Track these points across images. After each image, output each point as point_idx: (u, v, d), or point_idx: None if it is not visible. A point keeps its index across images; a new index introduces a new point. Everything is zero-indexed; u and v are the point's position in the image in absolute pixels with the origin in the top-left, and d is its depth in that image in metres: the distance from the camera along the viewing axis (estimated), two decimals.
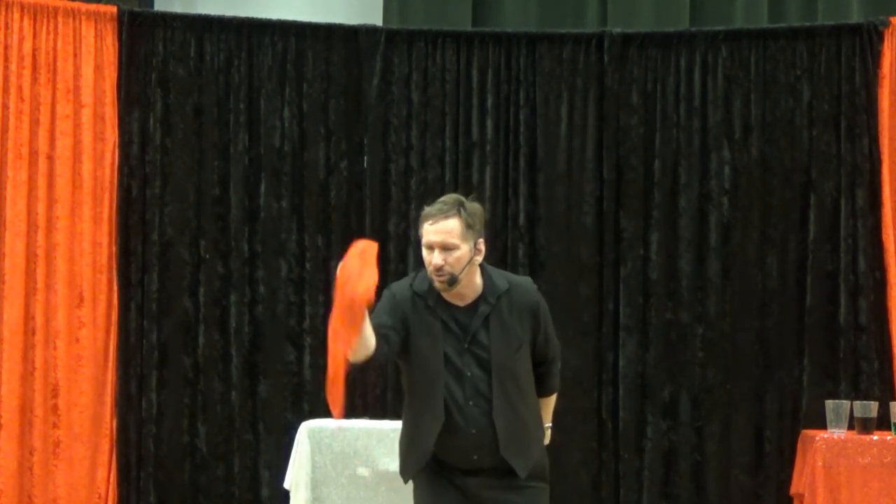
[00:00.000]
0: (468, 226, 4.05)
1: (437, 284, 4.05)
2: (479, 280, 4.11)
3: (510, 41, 7.08)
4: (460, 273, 4.03)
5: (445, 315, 4.08)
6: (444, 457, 4.10)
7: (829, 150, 6.90)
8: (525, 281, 4.26)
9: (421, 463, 4.09)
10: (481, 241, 4.10)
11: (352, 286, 3.82)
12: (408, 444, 4.17)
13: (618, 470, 6.89)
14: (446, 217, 4.05)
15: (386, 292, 4.18)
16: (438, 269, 4.02)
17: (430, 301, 4.10)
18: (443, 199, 4.15)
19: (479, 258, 4.10)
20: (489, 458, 4.07)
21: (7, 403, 6.67)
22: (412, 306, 4.11)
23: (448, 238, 4.02)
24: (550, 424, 4.37)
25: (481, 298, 4.11)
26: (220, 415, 6.90)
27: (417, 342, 4.08)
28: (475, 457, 4.06)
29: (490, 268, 4.18)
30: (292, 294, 6.98)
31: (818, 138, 6.91)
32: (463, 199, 4.12)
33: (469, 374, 4.06)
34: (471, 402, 4.06)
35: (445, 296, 4.09)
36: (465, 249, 4.04)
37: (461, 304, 4.10)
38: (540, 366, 4.23)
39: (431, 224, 4.05)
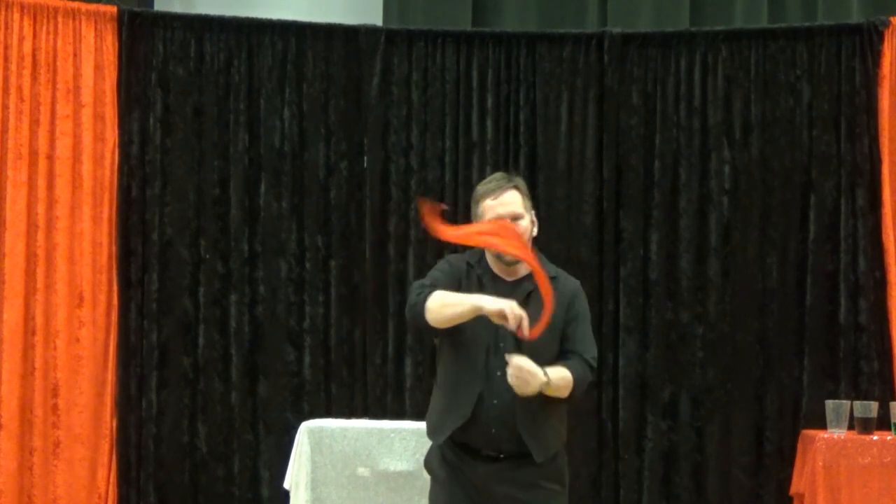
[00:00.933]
0: (525, 197, 4.24)
1: (507, 258, 4.16)
2: None
3: (510, 41, 7.08)
4: (528, 243, 4.17)
5: (491, 286, 4.17)
6: (464, 436, 4.13)
7: (829, 150, 6.90)
8: (574, 280, 4.36)
9: (457, 424, 4.12)
10: (533, 214, 4.27)
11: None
12: (444, 408, 4.19)
13: (618, 470, 6.89)
14: (506, 190, 4.20)
15: (442, 261, 4.34)
16: None
17: (480, 271, 4.22)
18: (492, 176, 4.32)
19: (535, 230, 4.25)
20: (507, 435, 4.10)
21: (7, 403, 6.67)
22: (466, 275, 4.23)
23: (515, 208, 4.18)
24: (550, 377, 4.17)
25: (528, 277, 4.20)
26: (220, 415, 6.91)
27: None
28: (493, 430, 4.10)
29: (540, 254, 4.28)
30: (292, 294, 6.98)
31: (818, 138, 6.91)
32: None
33: (502, 345, 4.12)
34: (499, 373, 4.10)
35: (495, 270, 4.22)
36: (528, 219, 4.22)
37: (508, 279, 4.21)
38: (566, 354, 4.21)
39: (495, 198, 4.19)
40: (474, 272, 4.23)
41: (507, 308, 3.94)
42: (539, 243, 6.87)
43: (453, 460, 4.18)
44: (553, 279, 4.17)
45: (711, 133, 6.99)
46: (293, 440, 6.23)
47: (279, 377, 6.94)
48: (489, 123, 7.03)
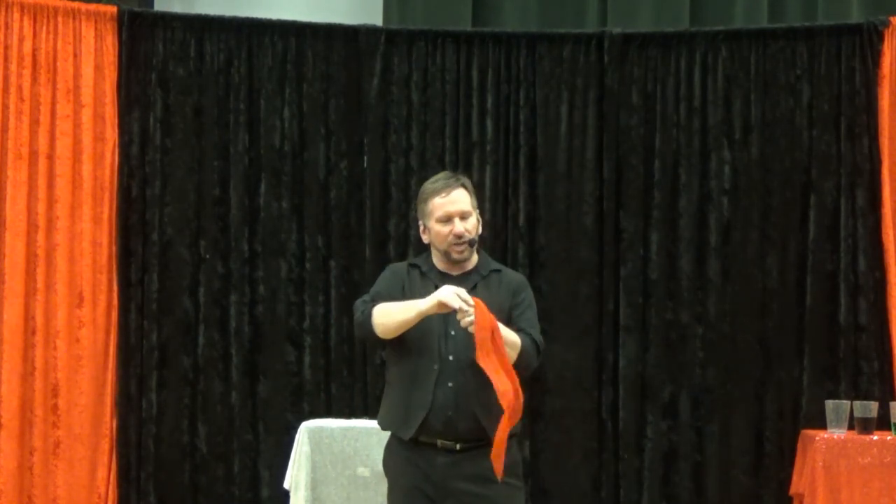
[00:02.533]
0: (472, 195, 4.35)
1: (455, 255, 4.28)
2: (475, 255, 4.37)
3: (510, 41, 7.08)
4: (476, 238, 4.30)
5: (438, 281, 4.28)
6: (422, 426, 4.20)
7: (829, 150, 6.90)
8: (520, 274, 4.54)
9: (422, 413, 4.21)
10: (478, 212, 4.38)
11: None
12: (405, 401, 4.27)
13: (618, 470, 6.89)
14: (455, 188, 4.31)
15: (384, 272, 4.45)
16: (460, 236, 4.26)
17: (425, 269, 4.34)
18: (438, 175, 4.43)
19: (480, 228, 4.36)
20: (463, 416, 4.17)
21: (7, 403, 6.67)
22: (408, 276, 4.35)
23: (465, 206, 4.30)
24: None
25: (474, 270, 4.35)
26: (220, 415, 6.90)
27: None
28: (450, 413, 4.17)
29: (483, 252, 4.44)
30: (292, 294, 6.98)
31: (818, 138, 6.91)
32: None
33: (453, 332, 4.21)
34: (451, 357, 4.21)
35: (441, 266, 4.33)
36: (475, 217, 4.33)
37: (455, 273, 4.33)
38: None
39: (445, 196, 4.29)
40: (417, 271, 4.35)
41: (444, 297, 4.05)
42: (539, 243, 6.97)
43: (411, 459, 4.26)
44: (497, 272, 4.34)
45: (711, 133, 6.99)
46: (293, 440, 6.23)
47: (279, 377, 6.94)
48: (489, 123, 7.03)
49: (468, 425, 4.18)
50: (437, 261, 4.36)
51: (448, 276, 4.29)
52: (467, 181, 4.37)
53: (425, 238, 4.38)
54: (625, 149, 7.01)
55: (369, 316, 4.24)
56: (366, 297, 4.35)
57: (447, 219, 4.27)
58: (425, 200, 4.33)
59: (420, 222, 4.40)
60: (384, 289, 4.33)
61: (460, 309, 4.02)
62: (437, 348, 4.22)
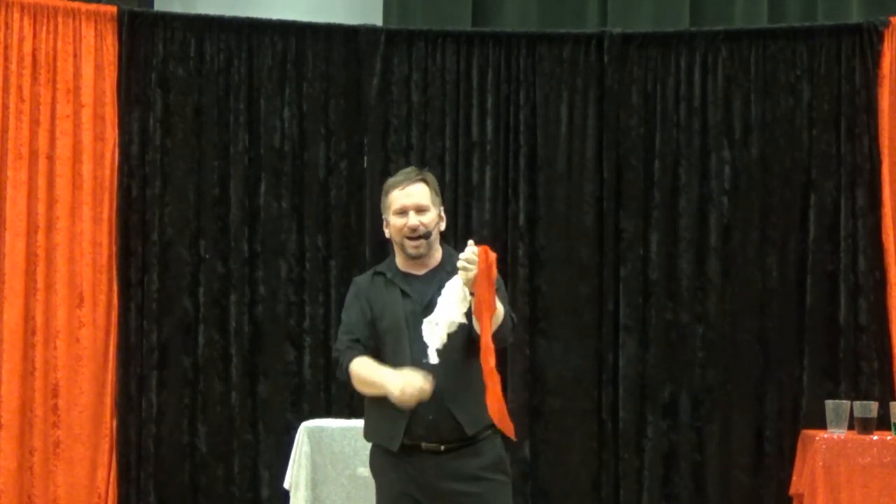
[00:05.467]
0: (434, 192, 4.29)
1: (410, 250, 4.23)
2: (439, 251, 4.30)
3: (510, 41, 7.08)
4: (433, 230, 4.23)
5: (403, 284, 4.24)
6: (406, 432, 4.15)
7: (829, 150, 6.90)
8: None
9: (406, 420, 4.13)
10: (442, 209, 4.33)
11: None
12: (388, 411, 4.15)
13: (618, 470, 6.89)
14: (414, 182, 4.26)
15: (349, 293, 4.36)
16: (414, 230, 4.22)
17: (390, 274, 4.28)
18: (402, 170, 4.41)
19: (443, 225, 4.30)
20: (443, 416, 4.12)
21: (7, 403, 6.67)
22: (372, 285, 4.30)
23: (421, 200, 4.24)
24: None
25: (439, 267, 4.27)
26: (220, 415, 6.91)
27: (381, 313, 4.23)
28: (431, 417, 4.12)
29: (447, 246, 4.37)
30: (292, 294, 6.98)
31: (818, 138, 6.91)
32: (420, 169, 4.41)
33: (420, 337, 4.14)
34: (423, 360, 4.11)
35: (405, 267, 4.27)
36: (434, 213, 4.26)
37: (419, 273, 4.26)
38: None
39: (402, 189, 4.26)
40: (382, 278, 4.29)
41: (399, 392, 3.97)
42: (539, 243, 6.97)
43: (398, 465, 4.21)
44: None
45: (711, 133, 6.99)
46: (293, 440, 6.23)
47: (279, 377, 6.94)
48: (489, 123, 7.03)
49: (450, 425, 4.14)
50: (400, 261, 4.31)
51: (413, 277, 4.25)
52: (431, 177, 4.32)
53: (387, 232, 4.34)
54: (625, 149, 7.01)
55: (347, 370, 4.19)
56: (342, 335, 4.27)
57: (402, 212, 4.24)
58: (386, 193, 4.31)
59: (383, 216, 4.36)
60: (354, 319, 4.25)
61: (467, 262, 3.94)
62: (409, 355, 4.15)
